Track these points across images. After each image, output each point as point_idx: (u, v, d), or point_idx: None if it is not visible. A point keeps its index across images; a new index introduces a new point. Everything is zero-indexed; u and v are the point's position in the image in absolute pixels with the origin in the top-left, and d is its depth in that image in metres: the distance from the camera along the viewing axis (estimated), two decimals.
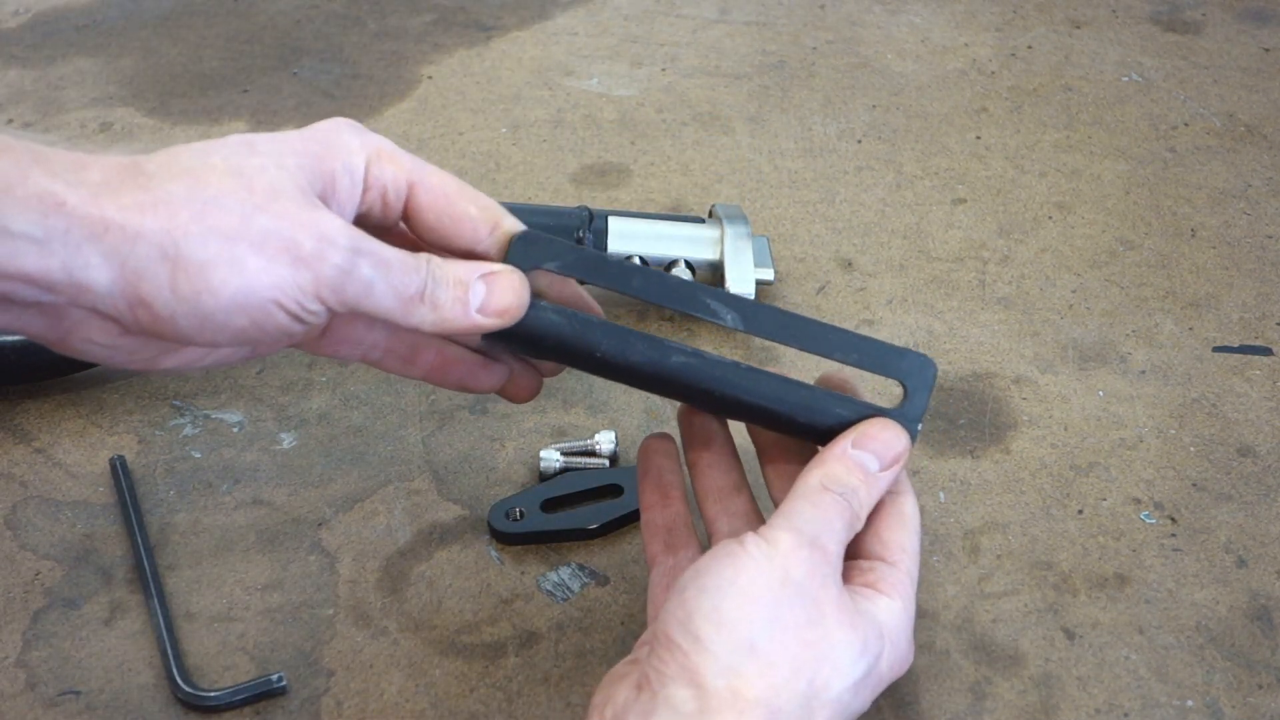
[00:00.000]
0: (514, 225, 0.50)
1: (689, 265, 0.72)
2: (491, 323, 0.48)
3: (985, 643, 0.57)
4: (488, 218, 0.50)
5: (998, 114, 0.90)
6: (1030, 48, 0.97)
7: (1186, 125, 0.88)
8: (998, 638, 0.57)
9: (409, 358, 0.53)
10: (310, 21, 1.05)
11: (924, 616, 0.58)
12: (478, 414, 0.69)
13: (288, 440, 0.67)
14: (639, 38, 1.00)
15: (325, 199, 0.47)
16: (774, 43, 0.98)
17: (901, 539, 0.50)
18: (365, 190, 0.49)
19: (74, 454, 0.67)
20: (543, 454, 0.65)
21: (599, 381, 0.70)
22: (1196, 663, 0.55)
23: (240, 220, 0.45)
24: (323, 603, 0.59)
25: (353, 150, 0.48)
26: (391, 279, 0.46)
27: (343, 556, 0.61)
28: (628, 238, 0.72)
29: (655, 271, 0.51)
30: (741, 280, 0.70)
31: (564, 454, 0.65)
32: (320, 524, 0.63)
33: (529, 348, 0.51)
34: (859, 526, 0.49)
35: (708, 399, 0.51)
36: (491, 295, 0.48)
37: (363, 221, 0.49)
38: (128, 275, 0.44)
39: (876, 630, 0.48)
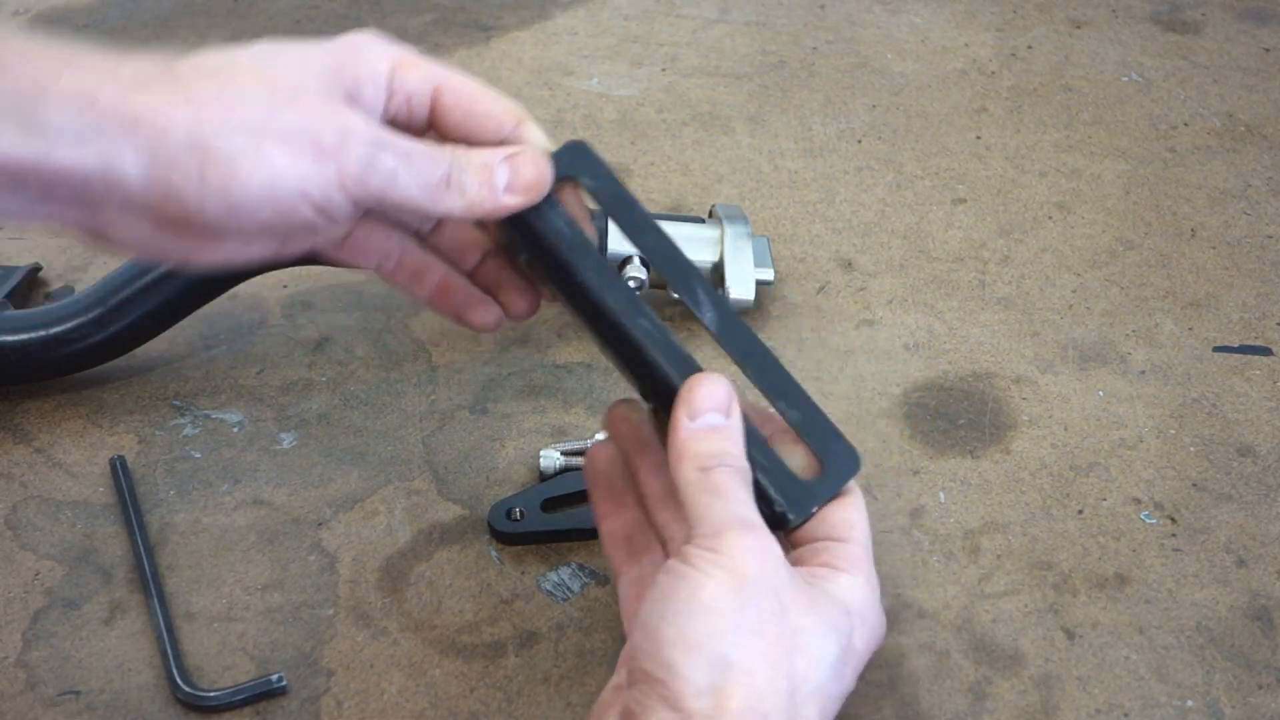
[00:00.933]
0: (535, 126, 0.52)
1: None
2: (516, 200, 0.50)
3: (985, 643, 0.57)
4: (511, 114, 0.51)
5: (998, 114, 0.90)
6: (1030, 48, 0.97)
7: (1186, 125, 0.88)
8: (998, 638, 0.57)
9: (418, 275, 0.55)
10: (310, 21, 1.05)
11: (924, 616, 0.58)
12: (478, 414, 0.69)
13: (288, 440, 0.68)
14: (639, 38, 1.00)
15: (350, 103, 0.49)
16: (774, 43, 0.98)
17: (848, 515, 0.50)
18: (390, 96, 0.50)
19: (74, 454, 0.67)
20: (543, 454, 0.65)
21: (599, 381, 0.70)
22: (1196, 663, 0.55)
23: (265, 115, 0.46)
24: (323, 603, 0.59)
25: (376, 58, 0.50)
26: (415, 167, 0.48)
27: (343, 556, 0.61)
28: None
29: (668, 238, 0.51)
30: (741, 280, 0.70)
31: (564, 454, 0.65)
32: (320, 524, 0.63)
33: (531, 246, 0.51)
34: (750, 479, 0.48)
35: (649, 376, 0.50)
36: (516, 173, 0.50)
37: (391, 127, 0.50)
38: (158, 167, 0.45)
39: (841, 609, 0.47)
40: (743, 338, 0.51)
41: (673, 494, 0.51)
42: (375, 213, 0.52)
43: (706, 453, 0.48)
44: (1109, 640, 0.56)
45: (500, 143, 0.51)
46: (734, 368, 0.51)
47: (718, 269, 0.71)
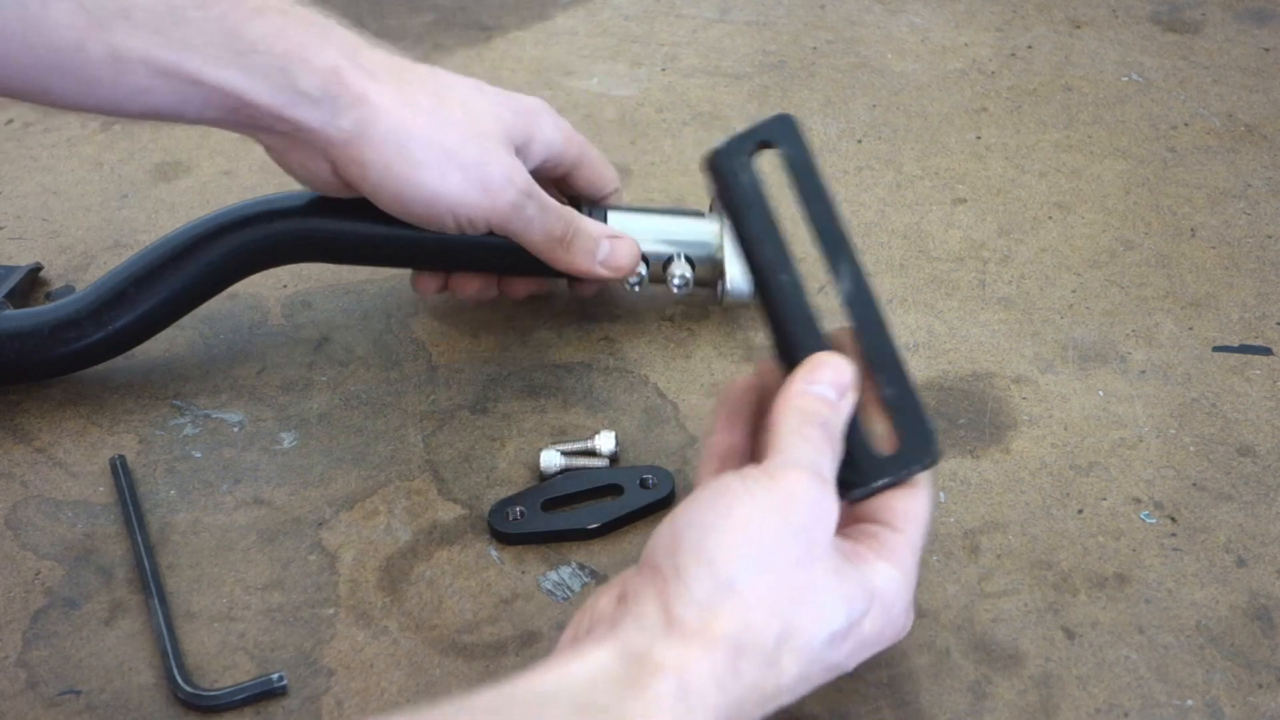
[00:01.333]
0: (622, 193, 0.72)
1: (688, 260, 0.70)
2: (606, 274, 0.67)
3: (985, 642, 0.57)
4: (613, 182, 0.71)
5: (998, 114, 0.90)
6: (1030, 48, 0.97)
7: (1186, 125, 0.88)
8: (998, 637, 0.57)
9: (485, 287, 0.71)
10: None
11: (924, 616, 0.58)
12: (478, 414, 0.69)
13: (288, 440, 0.68)
14: (639, 38, 1.00)
15: (518, 154, 0.64)
16: (774, 43, 0.98)
17: (909, 506, 0.50)
18: (545, 159, 0.67)
19: (74, 454, 0.67)
20: (543, 454, 0.65)
21: (599, 381, 0.70)
22: (1196, 662, 0.55)
23: (459, 144, 0.61)
24: (323, 602, 0.59)
25: (550, 128, 0.66)
26: (547, 221, 0.64)
27: (343, 556, 0.61)
28: (629, 227, 0.70)
29: (835, 212, 0.55)
30: (740, 274, 0.70)
31: (564, 454, 0.65)
32: (320, 524, 0.63)
33: (721, 191, 0.57)
34: (840, 455, 0.50)
35: (780, 329, 0.53)
36: (613, 253, 0.67)
37: (534, 174, 0.65)
38: (361, 142, 0.59)
39: (865, 589, 0.47)
40: (868, 311, 0.53)
41: (746, 456, 0.54)
42: None
43: (812, 409, 0.49)
44: (1109, 640, 0.56)
45: (599, 199, 0.70)
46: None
47: (718, 264, 0.71)
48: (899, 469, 0.50)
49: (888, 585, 0.49)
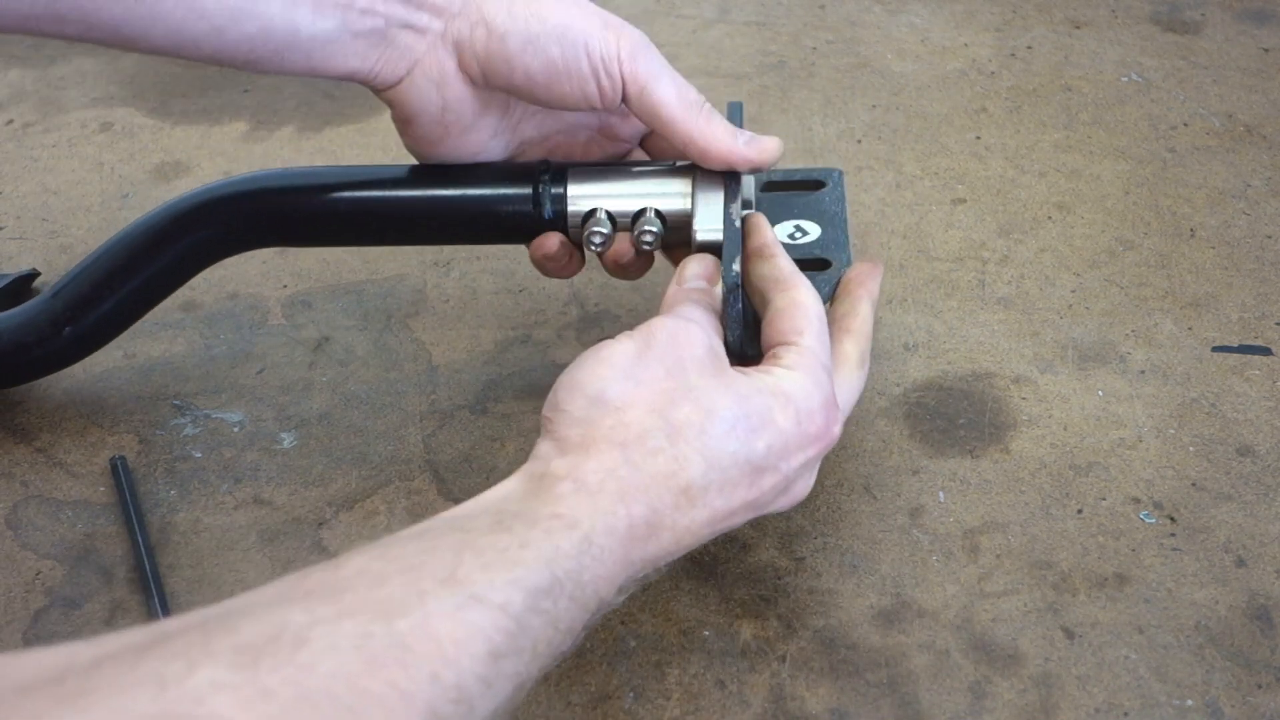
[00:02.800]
0: None
1: (659, 214, 0.63)
2: (751, 155, 0.60)
3: (985, 642, 0.57)
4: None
5: (997, 114, 0.90)
6: (1030, 48, 0.97)
7: (1186, 125, 0.88)
8: (997, 637, 0.57)
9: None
10: None
11: (923, 616, 0.58)
12: (478, 414, 0.69)
13: (288, 440, 0.68)
14: None
15: None
16: (774, 43, 0.99)
17: (795, 323, 0.54)
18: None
19: (74, 453, 0.67)
20: None
21: None
22: (1196, 662, 0.55)
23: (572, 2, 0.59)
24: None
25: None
26: (678, 80, 0.60)
27: None
28: (590, 191, 0.64)
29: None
30: (709, 220, 0.61)
31: None
32: (321, 524, 0.63)
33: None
34: (714, 315, 0.54)
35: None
36: (758, 139, 0.60)
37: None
38: (481, 7, 0.59)
39: (758, 387, 0.50)
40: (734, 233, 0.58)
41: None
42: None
43: (680, 298, 0.55)
44: (1108, 640, 0.56)
45: None
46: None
47: (687, 214, 0.63)
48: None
49: (790, 384, 0.51)
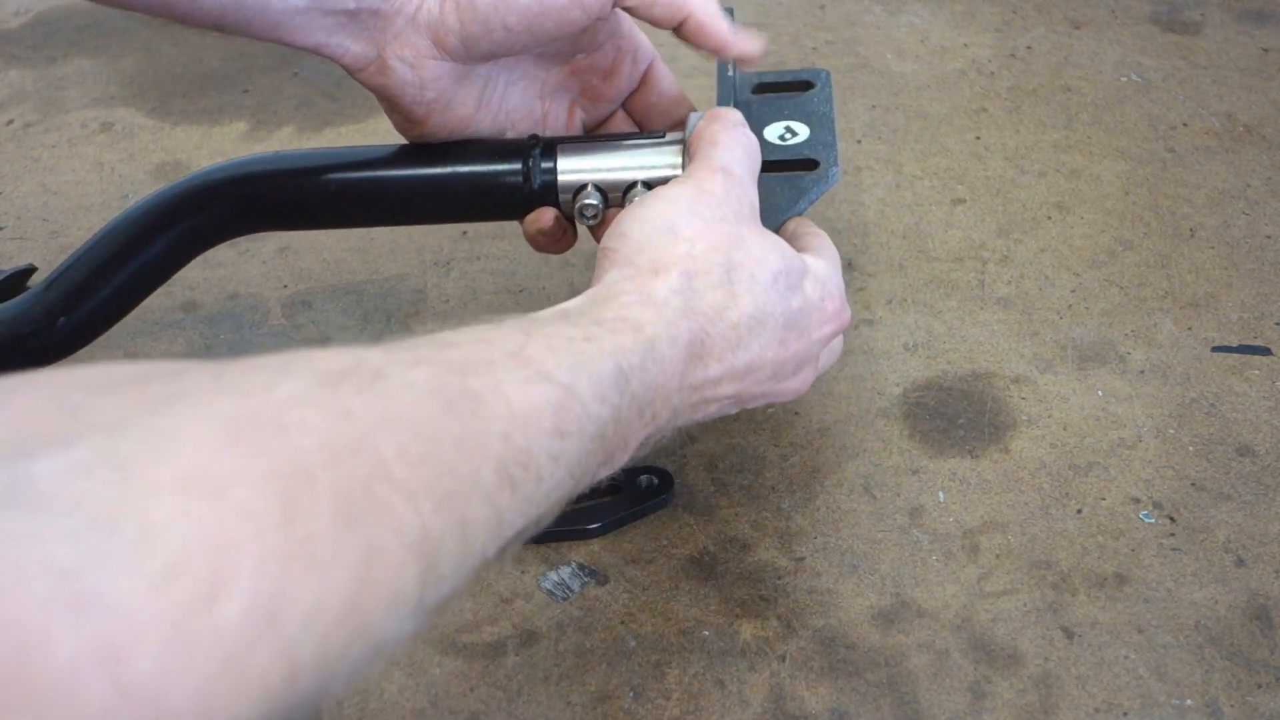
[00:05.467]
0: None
1: (648, 186, 0.62)
2: (742, 46, 0.61)
3: (984, 642, 0.57)
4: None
5: (997, 114, 0.90)
6: (1030, 48, 0.97)
7: (1186, 125, 0.88)
8: (997, 637, 0.57)
9: None
10: None
11: (923, 615, 0.58)
12: None
13: None
14: None
15: None
16: (774, 43, 0.99)
17: (821, 243, 0.58)
18: None
19: None
20: None
21: None
22: (1195, 662, 0.55)
23: None
24: None
25: None
26: None
27: None
28: (580, 165, 0.64)
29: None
30: None
31: None
32: None
33: None
34: (757, 158, 0.57)
35: None
36: (748, 32, 0.62)
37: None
38: None
39: (794, 253, 0.54)
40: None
41: None
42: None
43: (722, 116, 0.57)
44: (1108, 639, 0.57)
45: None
46: None
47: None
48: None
49: (816, 264, 0.56)
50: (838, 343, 0.59)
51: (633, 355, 0.45)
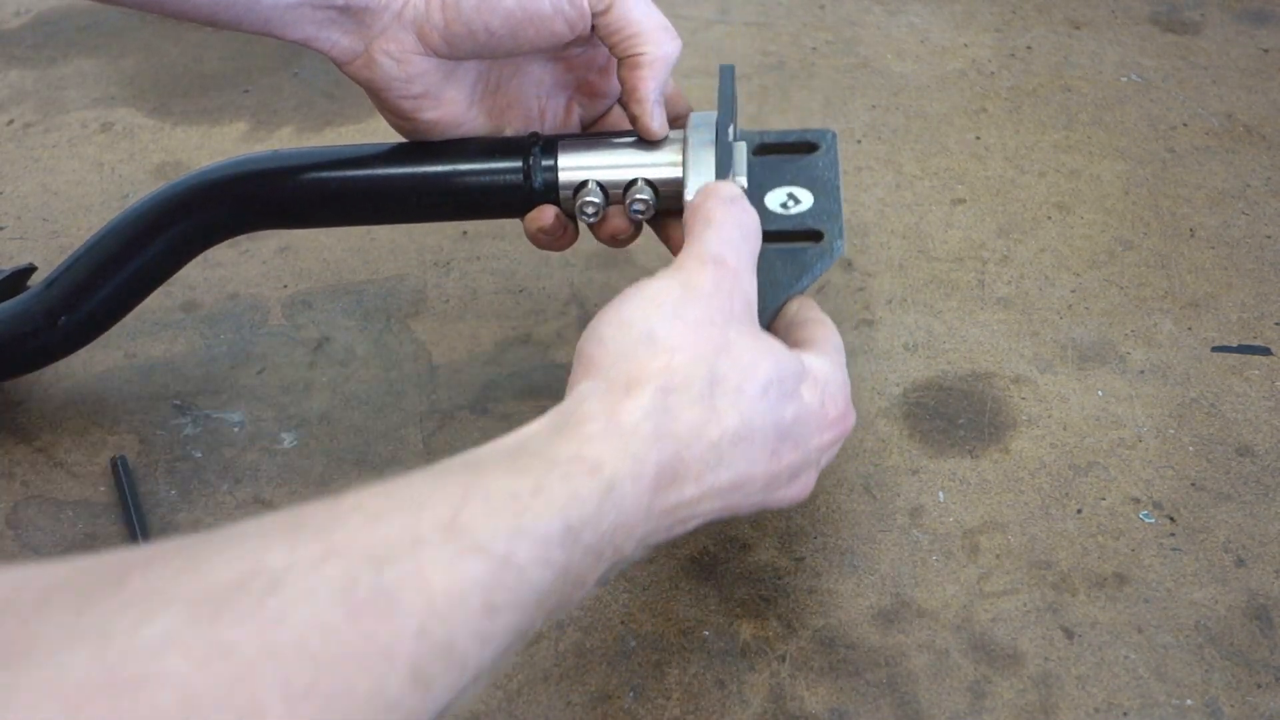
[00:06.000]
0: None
1: (650, 184, 0.63)
2: (648, 130, 0.61)
3: (984, 642, 0.57)
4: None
5: (997, 114, 0.90)
6: (1029, 48, 0.97)
7: (1185, 125, 0.88)
8: (997, 637, 0.57)
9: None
10: None
11: (923, 615, 0.58)
12: (478, 414, 0.69)
13: (289, 440, 0.68)
14: None
15: None
16: (774, 43, 0.99)
17: (824, 332, 0.55)
18: None
19: (75, 453, 0.67)
20: None
21: None
22: (1195, 662, 0.55)
23: None
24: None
25: None
26: (651, 3, 0.60)
27: None
28: (581, 162, 0.64)
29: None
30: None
31: None
32: None
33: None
34: (756, 239, 0.53)
35: None
36: (659, 125, 0.62)
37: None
38: None
39: (791, 355, 0.50)
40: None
41: None
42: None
43: (720, 192, 0.54)
44: (1108, 639, 0.57)
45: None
46: None
47: (679, 182, 0.62)
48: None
49: (815, 365, 0.52)
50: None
51: (586, 504, 0.41)
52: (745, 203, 0.54)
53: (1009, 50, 0.97)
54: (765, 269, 0.57)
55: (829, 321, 0.56)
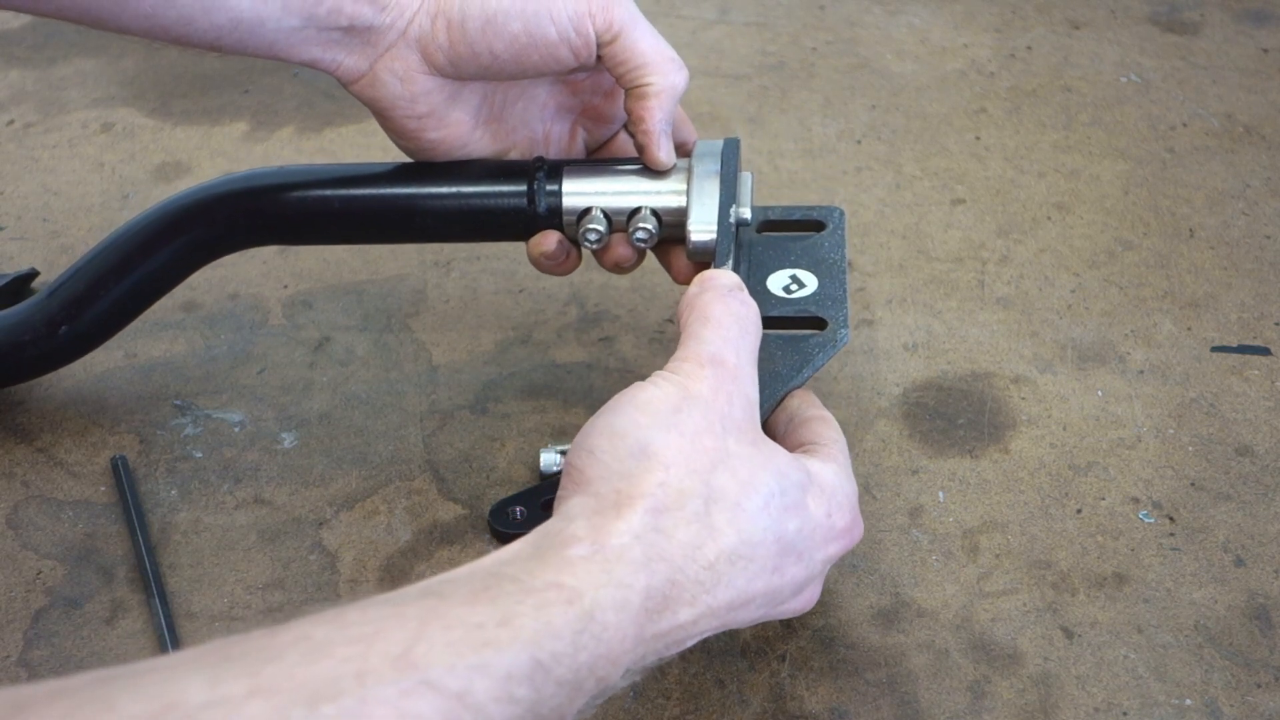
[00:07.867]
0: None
1: (654, 213, 0.62)
2: (655, 160, 0.61)
3: (984, 642, 0.57)
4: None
5: (997, 114, 0.90)
6: (1029, 48, 0.97)
7: (1185, 126, 0.88)
8: (997, 637, 0.57)
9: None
10: None
11: (923, 615, 0.58)
12: (478, 414, 0.69)
13: (289, 440, 0.68)
14: None
15: None
16: (774, 43, 0.99)
17: (829, 433, 0.53)
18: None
19: (75, 453, 0.67)
20: (543, 454, 0.65)
21: (599, 381, 0.70)
22: (1195, 662, 0.55)
23: None
24: (324, 602, 0.59)
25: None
26: (657, 33, 0.59)
27: (344, 556, 0.61)
28: (585, 188, 0.63)
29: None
30: (702, 221, 0.61)
31: (564, 454, 0.65)
32: (321, 523, 0.63)
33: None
34: (757, 332, 0.51)
35: None
36: (666, 154, 0.61)
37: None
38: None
39: (796, 464, 0.47)
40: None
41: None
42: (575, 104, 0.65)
43: (715, 282, 0.51)
44: (1107, 639, 0.57)
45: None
46: None
47: (683, 211, 0.62)
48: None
49: (822, 474, 0.49)
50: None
51: (559, 639, 0.38)
52: (744, 294, 0.51)
53: (1009, 50, 0.97)
54: (765, 359, 0.54)
55: (832, 419, 0.54)
